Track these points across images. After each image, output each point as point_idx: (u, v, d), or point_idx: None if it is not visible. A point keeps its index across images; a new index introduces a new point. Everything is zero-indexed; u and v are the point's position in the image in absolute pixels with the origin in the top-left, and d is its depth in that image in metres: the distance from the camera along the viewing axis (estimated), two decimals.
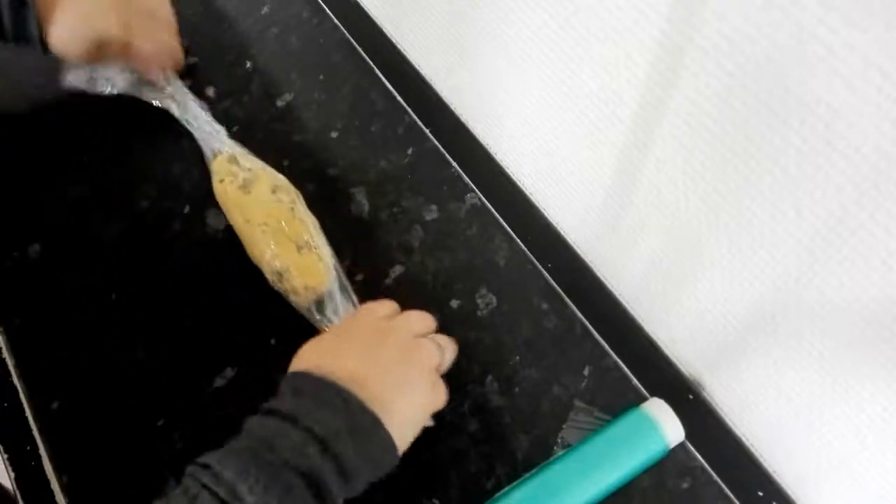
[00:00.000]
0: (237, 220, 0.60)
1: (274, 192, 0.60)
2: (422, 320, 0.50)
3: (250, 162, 0.63)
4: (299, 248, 0.57)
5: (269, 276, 0.57)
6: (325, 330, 0.55)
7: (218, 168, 0.63)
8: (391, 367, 0.46)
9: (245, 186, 0.61)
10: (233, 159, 0.63)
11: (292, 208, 0.60)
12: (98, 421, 0.55)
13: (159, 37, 0.65)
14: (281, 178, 0.62)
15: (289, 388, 0.44)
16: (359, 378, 0.43)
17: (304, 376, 0.44)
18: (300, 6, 0.79)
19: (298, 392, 0.43)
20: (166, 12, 0.66)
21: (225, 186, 0.62)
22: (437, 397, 0.48)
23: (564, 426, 0.54)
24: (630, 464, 0.51)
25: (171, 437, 0.54)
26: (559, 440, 0.53)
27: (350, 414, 0.42)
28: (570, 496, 0.49)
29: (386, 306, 0.51)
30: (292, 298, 0.57)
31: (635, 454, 0.51)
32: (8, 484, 0.54)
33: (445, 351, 0.50)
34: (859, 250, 0.37)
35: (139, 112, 0.70)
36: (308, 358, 0.46)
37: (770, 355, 0.47)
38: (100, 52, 0.60)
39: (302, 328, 0.59)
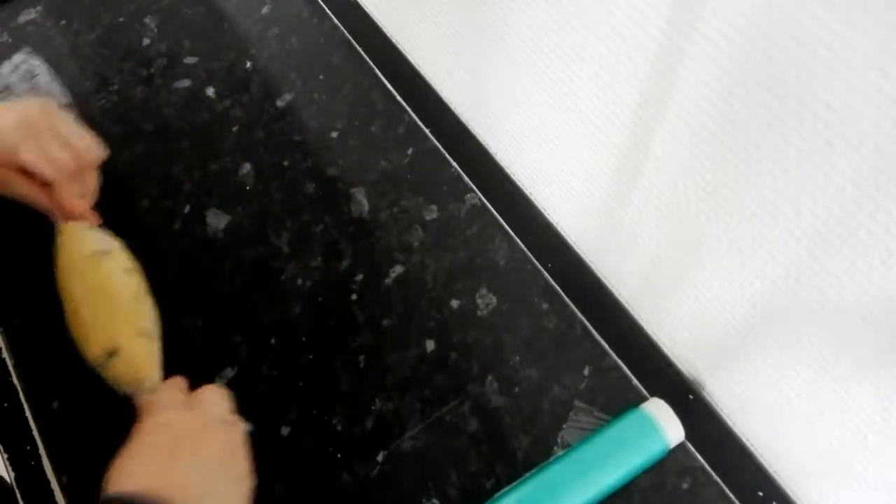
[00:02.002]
0: (76, 288, 0.54)
1: (126, 273, 0.56)
2: (222, 398, 0.49)
3: (104, 239, 0.58)
4: (139, 335, 0.53)
5: (94, 355, 0.52)
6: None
7: (69, 231, 0.57)
8: (209, 477, 0.44)
9: (95, 257, 0.55)
10: (85, 228, 0.57)
11: (139, 293, 0.55)
12: (98, 421, 0.55)
13: (52, 150, 0.56)
14: (132, 263, 0.57)
15: None
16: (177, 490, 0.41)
17: None
18: (300, 6, 0.79)
19: None
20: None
21: (73, 252, 0.55)
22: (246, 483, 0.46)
23: (565, 426, 0.54)
24: (630, 464, 0.51)
25: None
26: (559, 440, 0.53)
27: None
28: (570, 496, 0.49)
29: (177, 390, 0.49)
30: (110, 379, 0.52)
31: (635, 454, 0.51)
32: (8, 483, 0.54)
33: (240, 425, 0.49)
34: (859, 250, 0.37)
35: (140, 110, 0.70)
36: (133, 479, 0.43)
37: (770, 355, 0.47)
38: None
39: (302, 328, 0.59)
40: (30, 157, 0.55)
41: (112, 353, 0.52)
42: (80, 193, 0.58)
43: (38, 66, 0.72)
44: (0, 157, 0.55)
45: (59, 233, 0.56)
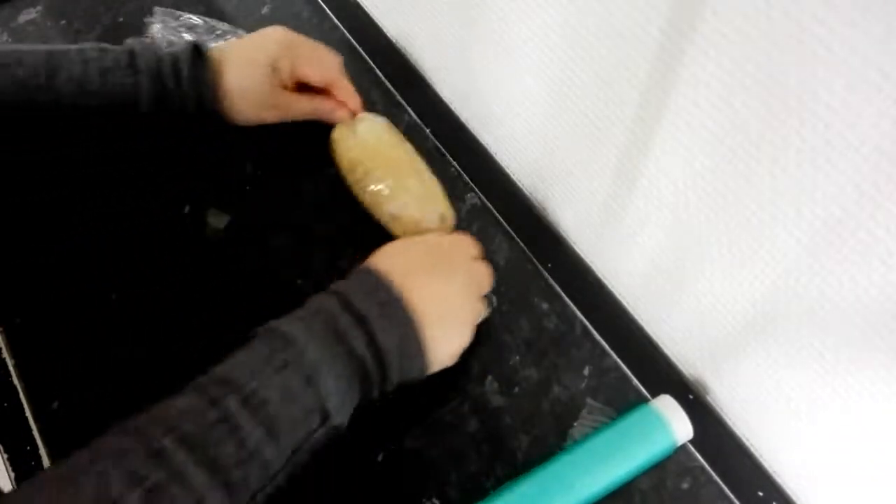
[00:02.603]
0: (379, 161, 0.62)
1: (404, 142, 0.64)
2: (474, 246, 0.55)
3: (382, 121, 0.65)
4: (423, 180, 0.61)
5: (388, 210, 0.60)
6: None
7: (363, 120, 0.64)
8: (450, 292, 0.50)
9: (384, 131, 0.64)
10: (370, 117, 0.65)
11: (416, 156, 0.63)
12: (98, 421, 0.55)
13: (316, 56, 0.64)
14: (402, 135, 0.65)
15: (365, 288, 0.47)
16: (416, 292, 0.48)
17: (383, 285, 0.47)
18: (300, 6, 0.79)
19: (373, 297, 0.47)
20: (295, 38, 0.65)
21: (374, 136, 0.63)
22: (479, 311, 0.53)
23: (576, 423, 0.54)
24: (637, 460, 0.51)
25: None
26: (570, 437, 0.53)
27: (404, 330, 0.47)
28: (576, 489, 0.49)
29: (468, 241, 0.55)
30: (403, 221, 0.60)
31: (643, 450, 0.51)
32: (8, 485, 0.54)
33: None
34: (859, 250, 0.37)
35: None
36: (390, 261, 0.50)
37: (770, 355, 0.47)
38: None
39: None
40: (307, 70, 0.62)
41: (405, 200, 0.59)
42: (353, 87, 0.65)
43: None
44: (283, 78, 0.61)
45: (357, 119, 0.64)
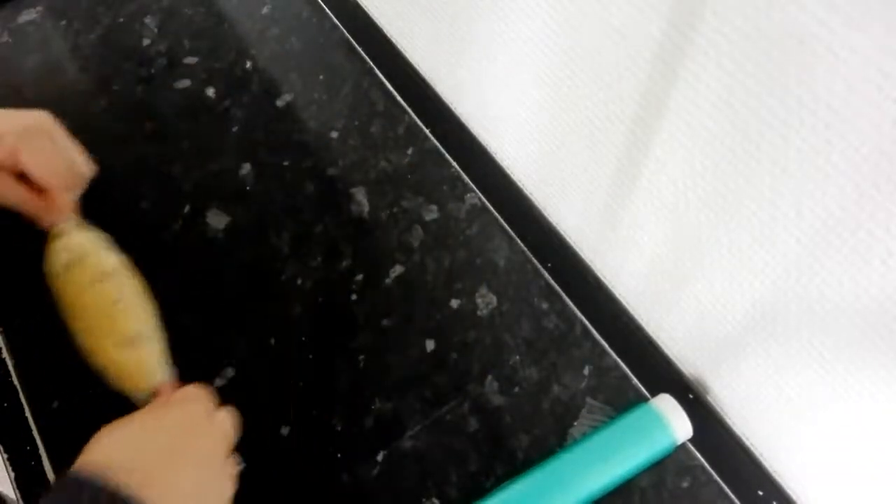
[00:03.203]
0: (62, 303, 0.54)
1: (96, 282, 0.54)
2: (206, 395, 0.48)
3: (82, 239, 0.57)
4: (120, 346, 0.52)
5: (95, 368, 0.52)
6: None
7: (55, 236, 0.57)
8: (204, 481, 0.44)
9: (67, 268, 0.54)
10: (63, 232, 0.56)
11: (116, 301, 0.53)
12: (98, 421, 0.55)
13: (52, 158, 0.57)
14: (109, 264, 0.55)
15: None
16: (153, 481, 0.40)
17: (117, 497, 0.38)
18: (300, 6, 0.79)
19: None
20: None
21: (51, 264, 0.55)
22: (230, 478, 0.46)
23: (576, 423, 0.54)
24: (637, 459, 0.51)
25: None
26: (570, 437, 0.53)
27: None
28: (576, 489, 0.49)
29: (199, 396, 0.48)
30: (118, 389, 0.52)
31: (643, 449, 0.51)
32: (8, 485, 0.54)
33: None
34: (859, 250, 0.37)
35: (140, 110, 0.70)
36: (115, 455, 0.41)
37: (770, 355, 0.47)
38: None
39: (302, 328, 0.59)
40: (30, 160, 0.55)
41: (102, 368, 0.52)
42: (70, 203, 0.59)
43: None
44: (2, 157, 0.55)
45: (53, 236, 0.56)
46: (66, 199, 0.58)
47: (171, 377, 0.52)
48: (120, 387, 0.52)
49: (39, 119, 0.58)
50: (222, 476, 0.45)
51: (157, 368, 0.52)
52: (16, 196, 0.57)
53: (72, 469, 0.40)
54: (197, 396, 0.48)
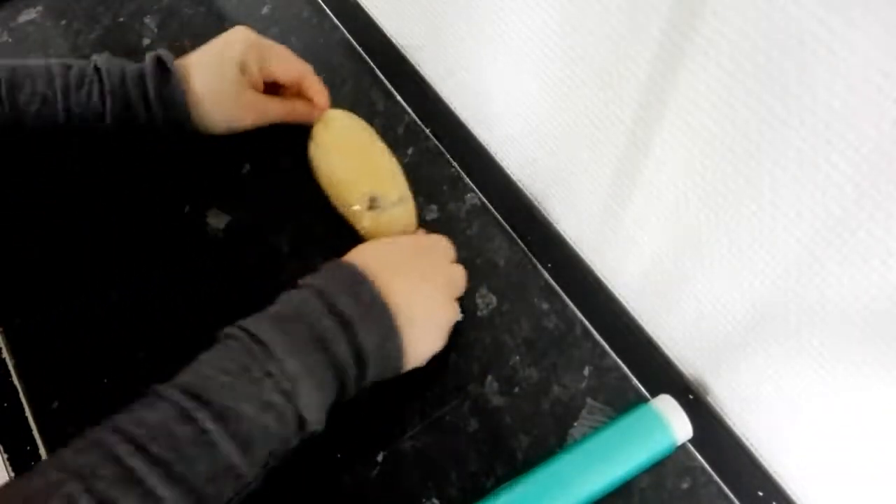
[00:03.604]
0: (347, 151, 0.63)
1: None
2: (451, 248, 0.56)
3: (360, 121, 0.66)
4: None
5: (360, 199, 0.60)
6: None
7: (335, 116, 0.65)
8: (428, 294, 0.51)
9: (365, 131, 0.65)
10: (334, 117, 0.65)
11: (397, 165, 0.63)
12: (98, 421, 0.55)
13: (284, 54, 0.63)
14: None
15: (346, 286, 0.47)
16: (397, 292, 0.48)
17: (365, 284, 0.47)
18: (300, 6, 0.79)
19: (356, 296, 0.47)
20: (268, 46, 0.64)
21: (344, 129, 0.64)
22: (454, 314, 0.54)
23: (576, 424, 0.54)
24: (637, 460, 0.51)
25: None
26: (570, 437, 0.53)
27: (385, 332, 0.47)
28: (576, 489, 0.49)
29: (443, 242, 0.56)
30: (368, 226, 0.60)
31: (643, 450, 0.51)
32: None
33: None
34: (859, 250, 0.37)
35: None
36: (370, 258, 0.50)
37: (770, 355, 0.47)
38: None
39: None
40: (278, 66, 0.61)
41: (371, 205, 0.59)
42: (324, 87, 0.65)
43: None
44: (253, 79, 0.61)
45: (325, 120, 0.64)
46: (319, 82, 0.64)
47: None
48: (395, 214, 0.59)
49: (243, 32, 0.61)
50: (448, 306, 0.53)
51: (411, 199, 0.61)
52: (286, 109, 0.63)
53: (343, 261, 0.50)
54: (445, 246, 0.55)
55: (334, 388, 0.45)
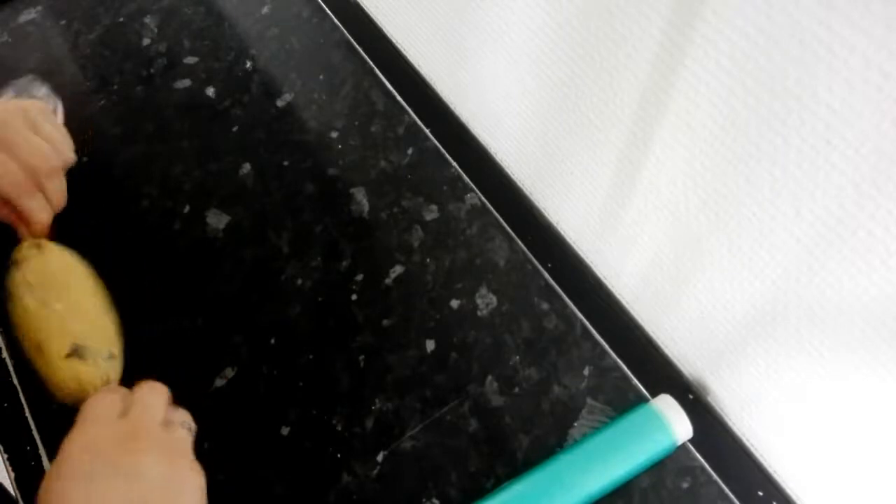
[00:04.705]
0: (40, 296, 0.53)
1: (90, 289, 0.55)
2: (160, 397, 0.46)
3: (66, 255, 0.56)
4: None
5: (57, 351, 0.51)
6: None
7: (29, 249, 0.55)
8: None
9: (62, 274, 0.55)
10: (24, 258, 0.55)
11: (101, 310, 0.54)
12: None
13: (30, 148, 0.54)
14: (93, 281, 0.56)
15: None
16: None
17: None
18: (300, 6, 0.79)
19: None
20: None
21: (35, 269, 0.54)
22: (198, 480, 0.44)
23: (576, 423, 0.54)
24: (637, 460, 0.51)
25: None
26: (570, 437, 0.53)
27: None
28: (576, 489, 0.49)
29: (112, 398, 0.45)
30: (60, 380, 0.51)
31: (643, 450, 0.51)
32: (8, 485, 0.54)
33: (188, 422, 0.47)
34: (859, 250, 0.37)
35: (140, 110, 0.70)
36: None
37: (770, 355, 0.47)
38: None
39: (302, 328, 0.59)
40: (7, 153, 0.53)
41: (74, 353, 0.50)
42: (41, 206, 0.56)
43: (39, 88, 0.68)
44: None
45: (18, 251, 0.55)
46: (31, 205, 0.55)
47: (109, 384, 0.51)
48: (80, 382, 0.50)
49: (10, 113, 0.54)
50: (190, 481, 0.43)
51: (96, 383, 0.51)
52: None
53: None
54: (148, 406, 0.44)
55: None
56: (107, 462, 0.41)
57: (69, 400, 0.50)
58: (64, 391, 0.50)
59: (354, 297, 0.60)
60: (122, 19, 0.78)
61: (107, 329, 0.54)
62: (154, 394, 0.46)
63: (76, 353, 0.50)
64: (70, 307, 0.53)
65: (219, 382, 0.56)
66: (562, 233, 0.63)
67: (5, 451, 0.55)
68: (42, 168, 0.56)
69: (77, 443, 0.43)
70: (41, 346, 0.51)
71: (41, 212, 0.56)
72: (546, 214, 0.65)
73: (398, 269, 0.61)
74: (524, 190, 0.66)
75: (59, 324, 0.52)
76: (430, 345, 0.58)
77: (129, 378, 0.57)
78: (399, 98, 0.72)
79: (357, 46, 0.76)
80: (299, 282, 0.61)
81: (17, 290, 0.53)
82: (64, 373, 0.50)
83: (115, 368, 0.52)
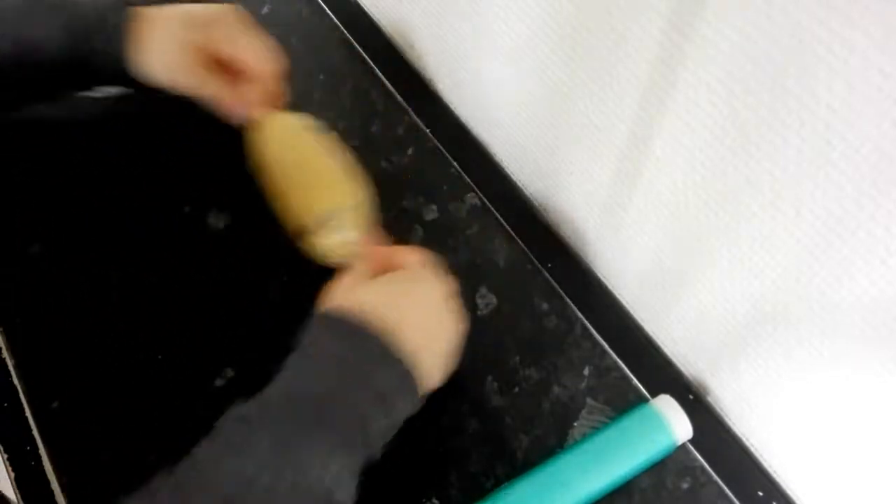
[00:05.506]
0: (289, 162, 0.58)
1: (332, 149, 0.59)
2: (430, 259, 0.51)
3: (307, 120, 0.61)
4: (355, 206, 0.56)
5: (310, 220, 0.55)
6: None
7: (277, 118, 0.60)
8: (438, 328, 0.48)
9: (308, 132, 0.60)
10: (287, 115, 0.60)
11: (347, 167, 0.58)
12: (98, 421, 0.55)
13: (250, 44, 0.59)
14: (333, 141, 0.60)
15: (381, 358, 0.43)
16: (414, 344, 0.45)
17: (394, 350, 0.44)
18: (300, 6, 0.79)
19: (392, 369, 0.43)
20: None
21: (285, 132, 0.59)
22: (459, 326, 0.50)
23: (576, 424, 0.54)
24: (637, 460, 0.51)
25: (171, 438, 0.54)
26: (570, 437, 0.53)
27: (416, 398, 0.45)
28: (576, 489, 0.49)
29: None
30: (320, 248, 0.55)
31: (643, 450, 0.51)
32: (8, 485, 0.54)
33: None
34: (859, 250, 0.37)
35: (140, 110, 0.70)
36: (378, 312, 0.45)
37: (770, 355, 0.47)
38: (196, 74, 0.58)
39: (302, 328, 0.59)
40: (235, 46, 0.57)
41: (319, 226, 0.54)
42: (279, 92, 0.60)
43: None
44: (204, 48, 0.57)
45: (263, 123, 0.59)
46: (273, 87, 0.59)
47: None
48: (342, 242, 0.54)
49: (228, 9, 0.58)
50: (454, 326, 0.49)
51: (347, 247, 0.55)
52: (214, 92, 0.58)
53: (329, 310, 0.45)
54: (427, 262, 0.50)
55: (363, 457, 0.44)
56: (401, 289, 0.48)
57: (335, 264, 0.54)
58: (324, 260, 0.55)
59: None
60: None
61: (343, 183, 0.56)
62: (419, 254, 0.51)
63: (321, 225, 0.54)
64: (307, 177, 0.56)
65: (219, 382, 0.56)
66: (561, 233, 0.63)
67: (5, 451, 0.55)
68: (277, 58, 0.60)
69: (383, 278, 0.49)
70: (293, 226, 0.56)
71: (278, 96, 0.60)
72: (546, 214, 0.65)
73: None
74: (524, 190, 0.66)
75: (300, 201, 0.55)
76: None
77: (130, 374, 0.57)
78: (399, 98, 0.72)
79: (357, 46, 0.76)
80: (299, 282, 0.61)
81: (262, 166, 0.58)
82: (317, 248, 0.55)
83: (360, 216, 0.55)
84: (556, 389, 0.56)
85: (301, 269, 0.62)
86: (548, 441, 0.53)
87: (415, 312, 0.47)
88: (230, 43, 0.57)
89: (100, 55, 0.56)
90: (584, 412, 0.54)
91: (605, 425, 0.53)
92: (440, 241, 0.63)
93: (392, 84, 0.73)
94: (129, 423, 0.55)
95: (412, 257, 0.51)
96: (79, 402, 0.56)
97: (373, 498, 0.52)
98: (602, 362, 0.57)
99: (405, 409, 0.44)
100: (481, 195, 0.66)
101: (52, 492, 0.53)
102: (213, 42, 0.57)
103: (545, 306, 0.60)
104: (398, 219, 0.64)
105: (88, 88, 0.61)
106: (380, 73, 0.73)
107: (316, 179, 0.57)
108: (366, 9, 0.78)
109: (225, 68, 0.59)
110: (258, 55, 0.59)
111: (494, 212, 0.65)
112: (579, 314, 0.59)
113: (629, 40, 0.43)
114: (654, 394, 0.55)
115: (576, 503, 0.49)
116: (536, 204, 0.65)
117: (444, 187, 0.66)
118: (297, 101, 0.71)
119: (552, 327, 0.59)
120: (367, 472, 0.53)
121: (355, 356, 0.43)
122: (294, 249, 0.63)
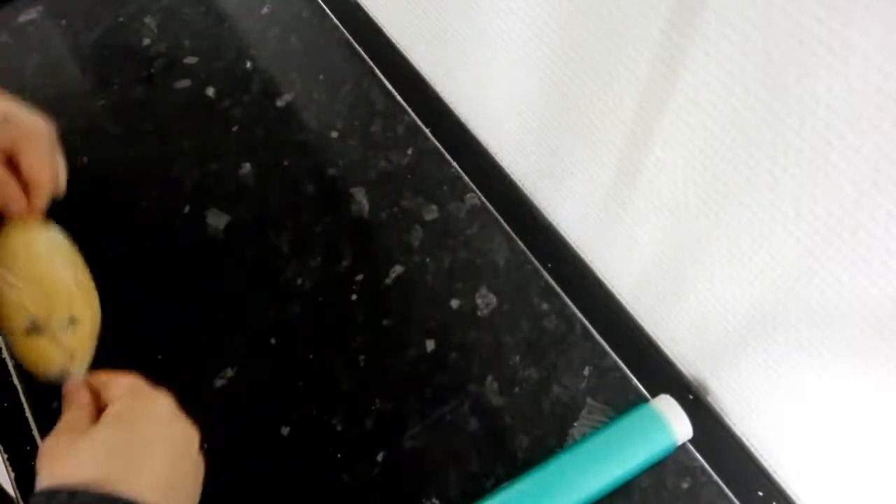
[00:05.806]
0: (12, 266, 0.52)
1: (66, 261, 0.54)
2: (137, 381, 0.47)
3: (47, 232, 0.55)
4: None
5: (23, 324, 0.50)
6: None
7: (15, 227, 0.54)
8: (178, 467, 0.44)
9: (36, 245, 0.54)
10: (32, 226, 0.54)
11: (77, 279, 0.53)
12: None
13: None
14: (73, 254, 0.54)
15: None
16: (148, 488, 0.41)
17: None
18: (300, 6, 0.79)
19: None
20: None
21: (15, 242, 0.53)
22: (193, 438, 0.46)
23: (576, 423, 0.54)
24: (637, 459, 0.51)
25: None
26: (570, 437, 0.53)
27: None
28: (576, 489, 0.49)
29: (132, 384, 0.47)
30: (32, 356, 0.50)
31: (643, 450, 0.51)
32: (8, 485, 0.54)
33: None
34: (859, 250, 0.37)
35: (140, 110, 0.70)
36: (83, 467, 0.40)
37: (770, 355, 0.47)
38: None
39: (302, 328, 0.59)
40: (29, 152, 0.53)
41: (33, 329, 0.49)
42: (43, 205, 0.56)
43: None
44: None
45: (11, 227, 0.54)
46: (43, 199, 0.56)
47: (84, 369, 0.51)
48: (57, 354, 0.49)
49: (45, 126, 0.56)
50: (195, 463, 0.45)
51: (89, 356, 0.51)
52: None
53: (52, 488, 0.38)
54: (159, 401, 0.46)
55: None
56: (137, 433, 0.43)
57: (42, 377, 0.50)
58: (32, 368, 0.50)
59: (354, 297, 0.60)
60: (122, 19, 0.78)
61: (68, 294, 0.52)
62: (131, 379, 0.48)
63: (34, 328, 0.49)
64: (30, 282, 0.51)
65: (219, 382, 0.56)
66: (562, 233, 0.63)
67: (5, 451, 0.55)
68: (60, 184, 0.57)
69: (112, 416, 0.44)
70: (5, 326, 0.50)
71: (41, 208, 0.56)
72: (546, 214, 0.65)
73: (398, 269, 0.61)
74: (524, 190, 0.66)
75: (17, 300, 0.50)
76: (430, 345, 0.58)
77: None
78: (399, 98, 0.72)
79: (357, 46, 0.76)
80: (299, 282, 0.61)
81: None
82: (27, 350, 0.50)
83: (78, 333, 0.51)
84: (556, 389, 0.56)
85: (301, 270, 0.62)
86: (548, 441, 0.53)
87: (147, 452, 0.42)
88: (24, 145, 0.54)
89: None
90: (584, 412, 0.54)
91: (605, 425, 0.53)
92: (440, 241, 0.63)
93: (392, 84, 0.73)
94: None
95: (123, 387, 0.47)
96: None
97: (373, 498, 0.52)
98: (602, 362, 0.57)
99: None
100: (481, 195, 0.66)
101: None
102: (8, 141, 0.54)
103: (545, 306, 0.60)
104: (398, 219, 0.64)
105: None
106: (380, 73, 0.74)
107: (40, 285, 0.51)
108: (366, 9, 0.78)
109: (12, 168, 0.55)
110: (40, 166, 0.55)
111: (494, 212, 0.65)
112: (579, 314, 0.59)
113: (629, 40, 0.43)
114: (654, 394, 0.55)
115: (576, 503, 0.49)
116: (536, 204, 0.65)
117: (444, 187, 0.66)
118: (298, 101, 0.72)
119: (552, 327, 0.59)
120: (367, 472, 0.53)
121: None
122: (294, 249, 0.63)
